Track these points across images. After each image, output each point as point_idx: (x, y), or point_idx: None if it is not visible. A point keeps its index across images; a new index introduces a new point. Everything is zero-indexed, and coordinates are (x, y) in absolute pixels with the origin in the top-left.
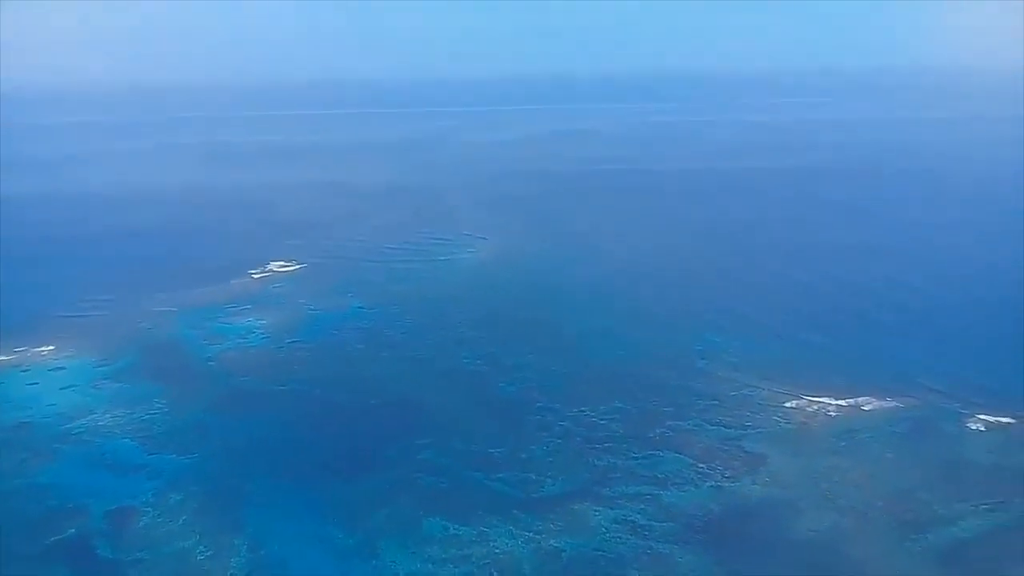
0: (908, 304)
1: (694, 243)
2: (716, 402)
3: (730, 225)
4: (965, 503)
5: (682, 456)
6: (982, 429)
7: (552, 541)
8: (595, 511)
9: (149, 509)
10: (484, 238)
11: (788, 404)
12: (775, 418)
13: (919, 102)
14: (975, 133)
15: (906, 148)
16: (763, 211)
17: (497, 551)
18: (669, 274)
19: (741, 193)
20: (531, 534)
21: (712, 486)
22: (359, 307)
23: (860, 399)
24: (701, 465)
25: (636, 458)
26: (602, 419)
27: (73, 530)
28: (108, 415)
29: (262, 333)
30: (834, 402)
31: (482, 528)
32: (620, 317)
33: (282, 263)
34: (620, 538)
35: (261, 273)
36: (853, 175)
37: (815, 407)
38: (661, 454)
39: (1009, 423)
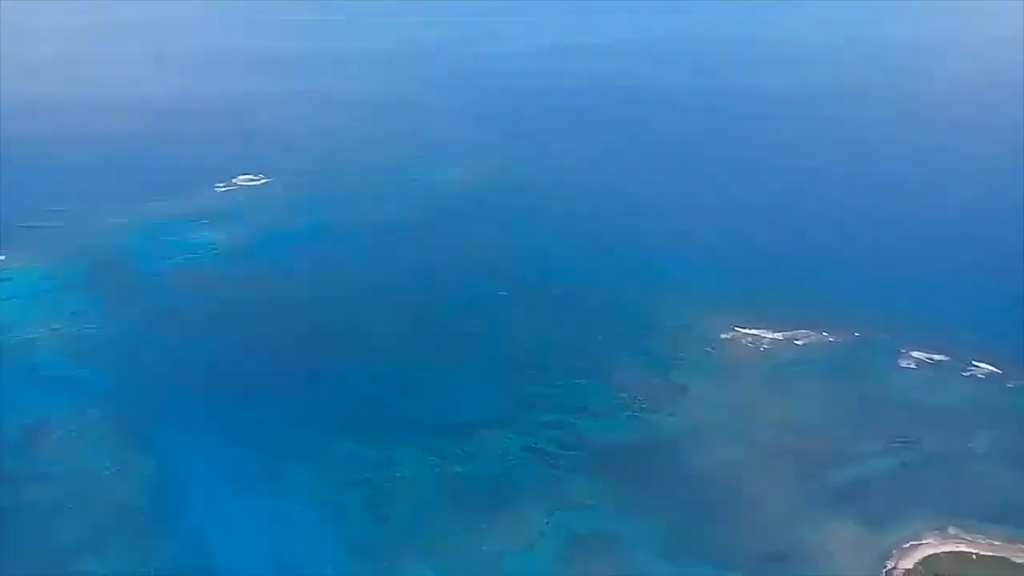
0: (862, 236)
1: (662, 165)
2: (653, 331)
3: (702, 147)
4: (875, 441)
5: (606, 385)
6: (912, 366)
7: (457, 467)
8: (508, 438)
9: (65, 424)
10: (460, 157)
11: (723, 335)
12: (707, 349)
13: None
14: (995, 58)
15: (914, 71)
16: (738, 133)
17: (400, 475)
18: (631, 198)
19: (723, 114)
20: (438, 459)
21: (629, 416)
22: (318, 227)
23: (797, 332)
24: (623, 395)
25: (560, 386)
26: (535, 345)
27: None
28: (44, 328)
29: (214, 250)
30: (770, 335)
31: (390, 453)
32: (572, 243)
33: (249, 177)
34: (525, 465)
35: (225, 187)
36: (843, 97)
37: (749, 339)
38: (586, 383)
39: (941, 360)
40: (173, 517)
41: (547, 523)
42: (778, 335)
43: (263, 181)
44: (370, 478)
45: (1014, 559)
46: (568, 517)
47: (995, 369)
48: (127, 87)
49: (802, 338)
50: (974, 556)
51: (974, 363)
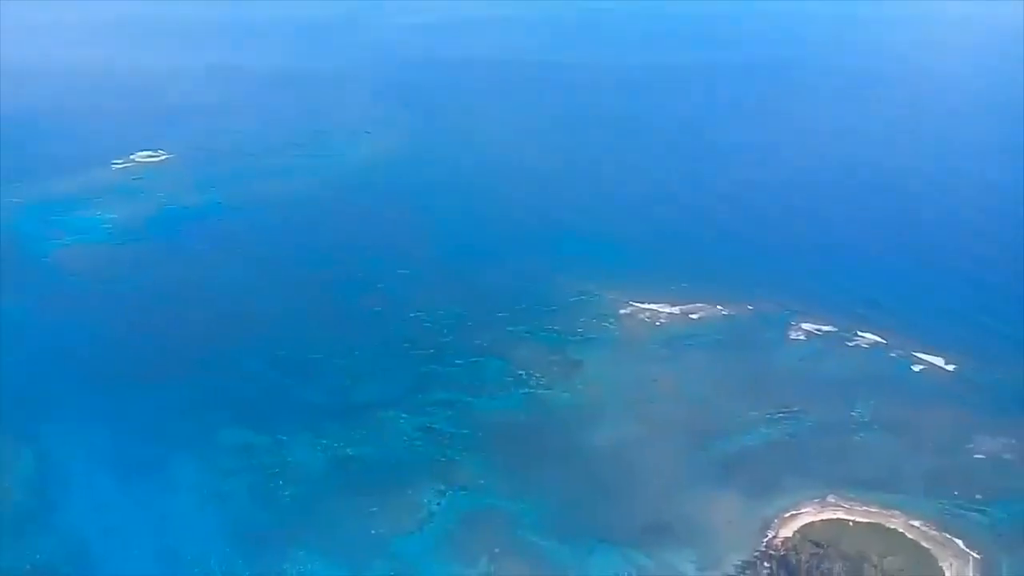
0: (764, 210)
1: (578, 143)
2: (554, 308)
3: (620, 124)
4: (761, 412)
5: (505, 362)
6: (801, 338)
7: (348, 449)
8: (402, 418)
9: None
10: (370, 132)
11: (622, 311)
12: (606, 324)
13: None
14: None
15: (852, 46)
16: (659, 110)
17: (289, 460)
18: (544, 175)
19: (644, 89)
20: (328, 442)
21: (525, 393)
22: (218, 205)
23: (693, 306)
24: (520, 372)
25: (458, 364)
26: (436, 325)
27: None
28: None
29: (108, 229)
30: (667, 309)
31: (281, 437)
32: (484, 220)
33: (149, 153)
34: (417, 445)
35: (123, 163)
36: (774, 71)
37: (647, 314)
38: (484, 360)
39: (830, 331)
40: (51, 509)
41: (438, 504)
42: (674, 309)
43: (163, 157)
44: (258, 464)
45: (887, 524)
46: (459, 497)
47: (879, 339)
48: (20, 56)
49: (697, 312)
50: (850, 523)
51: (859, 333)
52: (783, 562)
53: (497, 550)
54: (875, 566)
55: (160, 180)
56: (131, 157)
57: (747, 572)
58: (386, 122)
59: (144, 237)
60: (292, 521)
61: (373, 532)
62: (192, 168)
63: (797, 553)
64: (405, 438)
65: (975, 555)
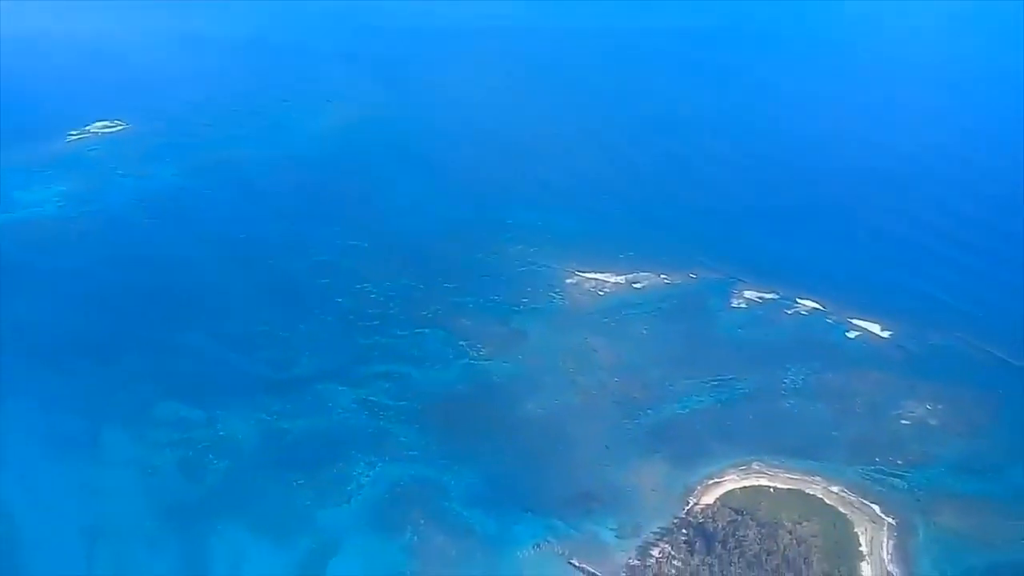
0: (715, 180)
1: (537, 114)
2: (501, 278)
3: (583, 92)
4: (696, 380)
5: (448, 333)
6: (742, 305)
7: (283, 423)
8: (340, 391)
9: None
10: (331, 102)
11: (569, 280)
12: (551, 295)
13: None
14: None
15: (825, 19)
16: (626, 77)
17: (222, 434)
18: (502, 145)
19: (612, 55)
20: (264, 415)
21: (465, 364)
22: (172, 177)
23: (638, 275)
24: (462, 343)
25: (401, 336)
26: (382, 296)
27: None
28: None
29: (57, 203)
30: (612, 279)
31: (216, 411)
32: (438, 189)
33: (106, 123)
34: (353, 418)
35: (80, 135)
36: (745, 39)
37: (592, 284)
38: (428, 332)
39: (772, 298)
40: None
41: (367, 476)
42: (620, 278)
43: (120, 127)
44: (191, 438)
45: (807, 491)
46: (390, 469)
47: (818, 306)
48: None
49: (642, 281)
50: (771, 490)
51: (799, 301)
52: (700, 529)
53: (422, 521)
54: (790, 532)
55: (115, 151)
56: (88, 128)
57: (665, 539)
58: (348, 91)
59: (93, 209)
60: (220, 495)
61: (300, 505)
62: (149, 138)
63: (715, 520)
64: (341, 411)
65: (891, 520)
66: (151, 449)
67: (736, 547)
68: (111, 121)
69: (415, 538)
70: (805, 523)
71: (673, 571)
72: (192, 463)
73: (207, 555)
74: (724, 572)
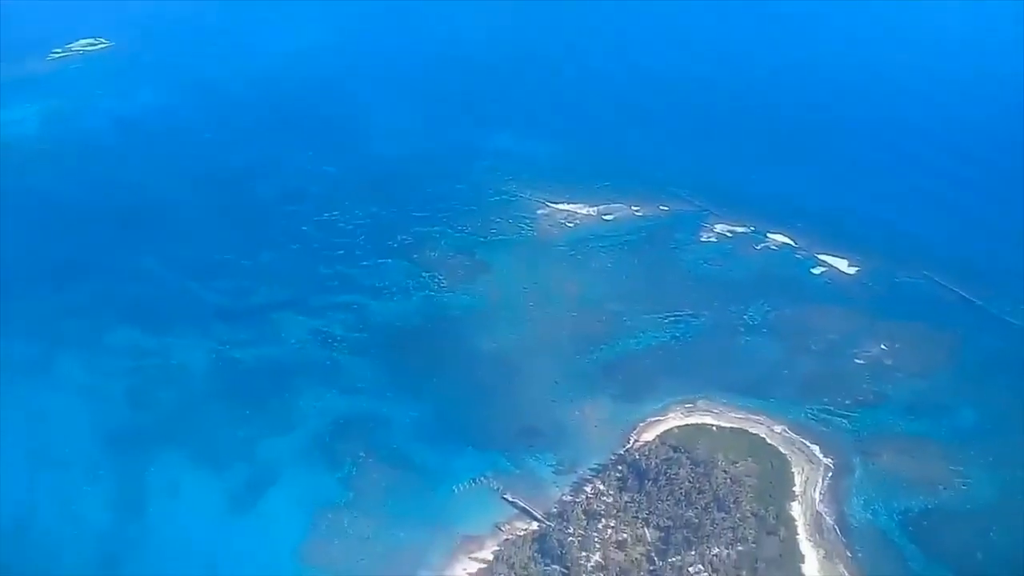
0: (693, 109)
1: (522, 36)
2: (472, 208)
3: (568, 17)
4: (655, 315)
5: (411, 264)
6: (712, 239)
7: (235, 352)
8: (297, 321)
9: None
10: (314, 22)
11: (540, 211)
12: (520, 226)
13: None
14: None
15: None
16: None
17: (173, 363)
18: (483, 70)
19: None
20: (217, 344)
21: (425, 296)
22: (151, 98)
23: (610, 206)
24: (425, 274)
25: (364, 266)
26: (350, 225)
27: None
28: None
29: (33, 122)
30: (583, 210)
31: (169, 339)
32: (418, 113)
33: (90, 41)
34: (306, 349)
35: (62, 53)
36: None
37: (563, 215)
38: (391, 262)
39: (743, 232)
40: None
41: (314, 407)
42: (591, 210)
43: (103, 46)
44: (142, 365)
45: (750, 430)
46: (337, 401)
47: (789, 240)
48: None
49: (613, 212)
50: (714, 428)
51: (770, 235)
52: (635, 466)
53: (363, 454)
54: (724, 471)
55: (96, 71)
56: (70, 46)
57: (600, 476)
58: (333, 12)
59: (67, 131)
60: (164, 423)
61: (242, 435)
62: (131, 58)
63: (650, 458)
64: (295, 341)
65: (829, 461)
66: (101, 376)
67: (667, 485)
68: (94, 39)
69: (353, 470)
70: (741, 463)
71: (602, 507)
72: (140, 391)
73: (143, 482)
74: (652, 509)
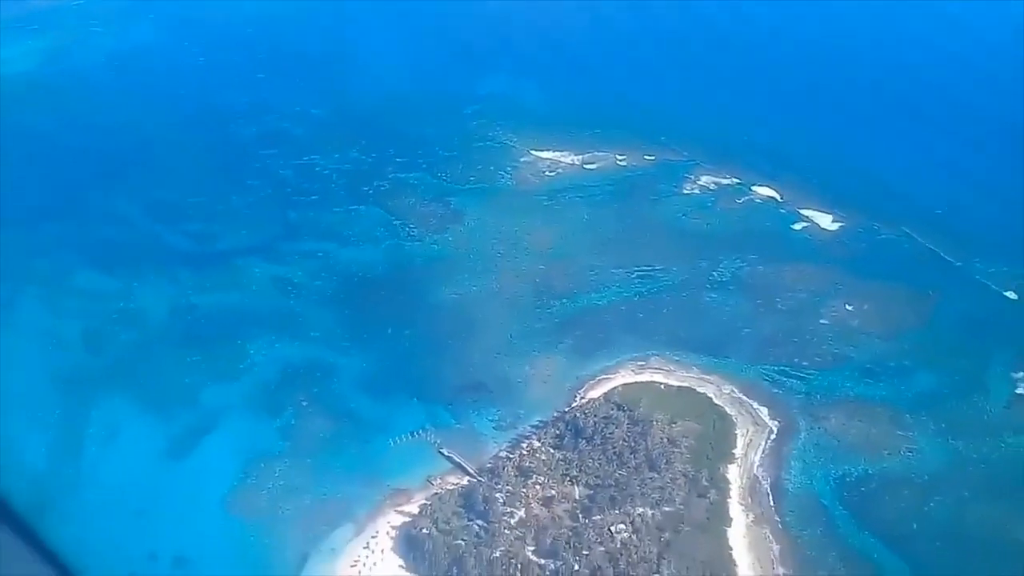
0: (694, 57)
1: None
2: (453, 155)
3: None
4: (623, 270)
5: (384, 211)
6: (695, 191)
7: (194, 297)
8: (260, 267)
9: None
10: None
11: (523, 159)
12: (500, 173)
13: None
14: None
15: None
16: None
17: (131, 306)
18: (478, 10)
19: None
20: (177, 289)
21: (393, 244)
22: (146, 35)
23: (594, 155)
24: (396, 222)
25: (336, 212)
26: (327, 169)
27: None
28: None
29: (25, 60)
30: (567, 158)
31: (131, 282)
32: (408, 54)
33: None
34: (266, 296)
35: None
36: None
37: (545, 164)
38: (363, 209)
39: (728, 184)
40: None
41: (263, 355)
42: (574, 159)
43: None
44: (100, 308)
45: (698, 389)
46: (288, 349)
47: (774, 194)
48: None
49: (596, 161)
50: (662, 387)
51: (755, 188)
52: (573, 424)
53: (305, 403)
54: (663, 431)
55: (94, 6)
56: None
57: (538, 432)
58: None
59: (59, 69)
60: (113, 366)
61: (188, 381)
62: None
63: (590, 416)
64: (255, 288)
65: (774, 424)
66: (58, 317)
67: (601, 443)
68: None
69: (293, 420)
70: (682, 423)
71: (535, 464)
72: (95, 333)
73: (84, 425)
74: (583, 467)
